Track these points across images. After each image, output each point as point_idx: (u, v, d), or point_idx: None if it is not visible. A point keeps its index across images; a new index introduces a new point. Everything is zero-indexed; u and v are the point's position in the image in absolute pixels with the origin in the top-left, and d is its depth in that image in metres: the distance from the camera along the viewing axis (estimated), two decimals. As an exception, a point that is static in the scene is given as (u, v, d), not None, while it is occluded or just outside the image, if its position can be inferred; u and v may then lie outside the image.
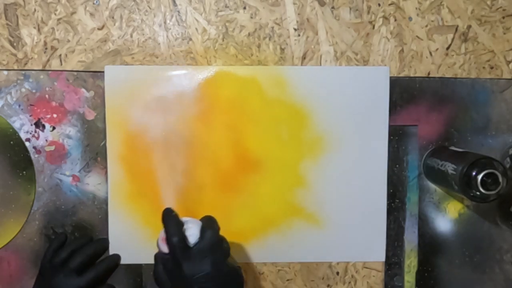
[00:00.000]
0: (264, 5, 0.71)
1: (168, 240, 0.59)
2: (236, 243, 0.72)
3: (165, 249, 0.60)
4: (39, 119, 0.70)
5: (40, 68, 0.69)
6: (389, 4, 0.72)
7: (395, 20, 0.72)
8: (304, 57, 0.72)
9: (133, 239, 0.71)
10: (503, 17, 0.73)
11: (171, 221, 0.60)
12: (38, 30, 0.69)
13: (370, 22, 0.72)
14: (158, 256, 0.62)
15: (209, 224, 0.61)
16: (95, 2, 0.69)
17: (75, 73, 0.70)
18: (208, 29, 0.71)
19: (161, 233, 0.61)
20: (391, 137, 0.73)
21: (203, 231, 0.60)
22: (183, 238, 0.59)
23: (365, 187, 0.73)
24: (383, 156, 0.73)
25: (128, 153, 0.70)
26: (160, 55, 0.71)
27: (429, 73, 0.73)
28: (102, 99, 0.70)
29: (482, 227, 0.75)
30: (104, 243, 0.70)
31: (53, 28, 0.69)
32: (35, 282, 0.66)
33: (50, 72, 0.70)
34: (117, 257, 0.70)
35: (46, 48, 0.69)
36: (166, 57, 0.71)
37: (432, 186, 0.74)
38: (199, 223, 0.61)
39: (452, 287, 0.75)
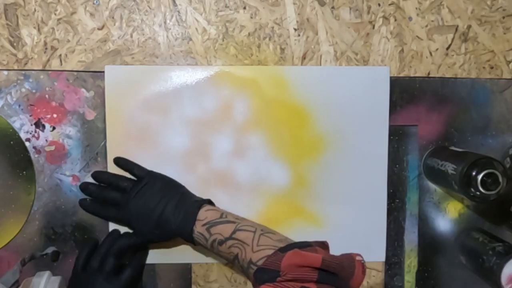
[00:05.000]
0: (264, 5, 0.71)
1: None
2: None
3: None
4: (39, 119, 0.70)
5: (40, 68, 0.69)
6: (389, 4, 0.72)
7: (395, 20, 0.72)
8: (304, 57, 0.72)
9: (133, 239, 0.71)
10: (503, 17, 0.73)
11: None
12: (38, 30, 0.69)
13: (370, 22, 0.72)
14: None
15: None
16: (95, 2, 0.69)
17: (75, 73, 0.70)
18: (208, 29, 0.71)
19: None
20: (391, 137, 0.73)
21: None
22: None
23: (365, 187, 0.73)
24: (383, 156, 0.73)
25: (128, 153, 0.70)
26: (160, 55, 0.71)
27: (429, 73, 0.73)
28: (102, 99, 0.70)
29: (482, 227, 0.75)
30: (128, 238, 0.70)
31: (53, 28, 0.69)
32: None
33: (50, 72, 0.70)
34: (144, 247, 0.71)
35: (46, 48, 0.69)
36: (166, 57, 0.71)
37: (432, 186, 0.74)
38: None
39: (452, 287, 0.75)
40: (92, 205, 0.69)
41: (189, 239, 0.64)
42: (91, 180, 0.70)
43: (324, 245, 0.58)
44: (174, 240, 0.68)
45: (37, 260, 0.68)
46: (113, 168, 0.70)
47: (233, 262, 0.61)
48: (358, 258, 0.55)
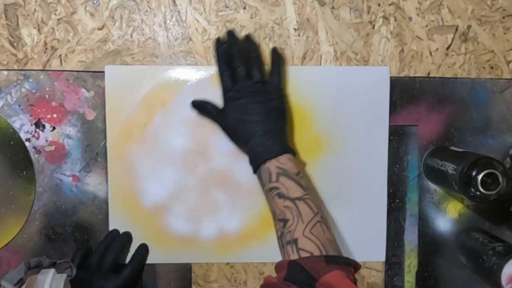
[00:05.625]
0: (264, 5, 0.71)
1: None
2: (236, 243, 0.72)
3: None
4: (39, 119, 0.70)
5: (40, 68, 0.69)
6: (389, 4, 0.72)
7: (395, 20, 0.72)
8: (304, 57, 0.72)
9: (133, 239, 0.71)
10: (503, 17, 0.73)
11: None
12: (38, 30, 0.69)
13: (370, 22, 0.72)
14: None
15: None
16: (95, 2, 0.69)
17: (75, 73, 0.70)
18: (208, 29, 0.71)
19: None
20: (391, 137, 0.73)
21: None
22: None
23: (365, 187, 0.73)
24: (383, 156, 0.73)
25: (128, 153, 0.70)
26: (160, 55, 0.71)
27: (429, 73, 0.73)
28: (102, 99, 0.70)
29: (482, 227, 0.75)
30: (127, 237, 0.70)
31: (53, 28, 0.69)
32: None
33: (50, 72, 0.70)
34: (145, 246, 0.71)
35: (46, 48, 0.69)
36: (166, 57, 0.71)
37: (432, 186, 0.74)
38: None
39: (452, 287, 0.75)
40: (223, 55, 0.67)
41: (254, 165, 0.63)
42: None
43: (357, 266, 0.57)
44: (174, 240, 0.68)
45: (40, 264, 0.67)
46: (113, 169, 0.70)
47: (277, 222, 0.60)
48: None
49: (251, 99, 0.64)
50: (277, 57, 0.69)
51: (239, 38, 0.69)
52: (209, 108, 0.68)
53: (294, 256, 0.56)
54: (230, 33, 0.69)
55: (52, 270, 0.60)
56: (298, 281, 0.53)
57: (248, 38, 0.69)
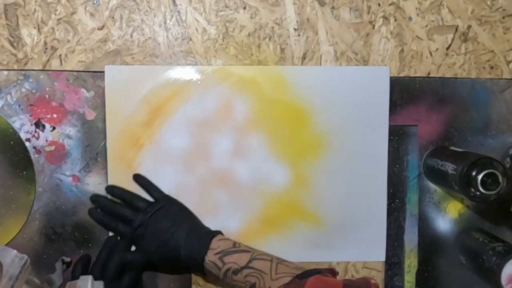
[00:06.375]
0: (264, 5, 0.71)
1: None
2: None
3: None
4: (39, 119, 0.70)
5: (40, 68, 0.69)
6: (389, 4, 0.72)
7: (395, 20, 0.72)
8: (304, 57, 0.72)
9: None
10: (503, 17, 0.73)
11: None
12: (38, 30, 0.69)
13: (370, 22, 0.72)
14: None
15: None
16: (95, 2, 0.69)
17: (75, 73, 0.70)
18: (208, 29, 0.71)
19: None
20: (391, 137, 0.73)
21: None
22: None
23: (365, 187, 0.73)
24: (383, 156, 0.73)
25: (128, 153, 0.70)
26: (160, 55, 0.71)
27: (429, 73, 0.73)
28: (102, 99, 0.70)
29: (482, 227, 0.75)
30: (127, 243, 0.70)
31: (53, 28, 0.69)
32: None
33: (50, 72, 0.70)
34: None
35: (46, 48, 0.69)
36: (166, 57, 0.71)
37: (432, 186, 0.74)
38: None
39: (452, 287, 0.75)
40: (102, 216, 0.69)
41: (199, 268, 0.65)
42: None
43: (333, 272, 0.59)
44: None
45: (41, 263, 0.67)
46: (113, 170, 0.70)
47: None
48: (372, 281, 0.56)
49: (156, 222, 0.66)
50: (141, 179, 0.70)
51: (101, 196, 0.70)
52: (130, 258, 0.68)
53: None
54: (93, 198, 0.70)
55: (90, 277, 0.61)
56: None
57: (108, 189, 0.70)
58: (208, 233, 0.66)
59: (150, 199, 0.70)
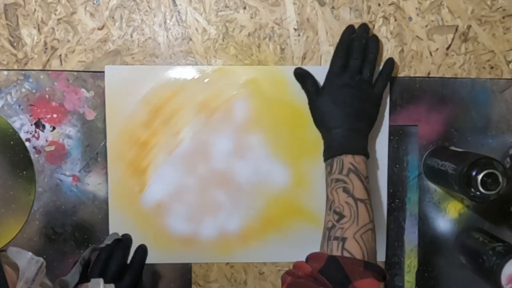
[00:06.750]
0: (264, 5, 0.71)
1: None
2: (236, 243, 0.72)
3: None
4: (39, 119, 0.70)
5: (40, 68, 0.69)
6: (389, 4, 0.72)
7: (395, 20, 0.72)
8: (304, 57, 0.72)
9: (133, 239, 0.71)
10: (503, 17, 0.73)
11: None
12: (38, 30, 0.69)
13: (370, 22, 0.72)
14: None
15: None
16: (95, 2, 0.69)
17: (75, 73, 0.70)
18: (208, 29, 0.71)
19: None
20: (391, 137, 0.73)
21: None
22: None
23: (365, 187, 0.72)
24: (383, 156, 0.73)
25: (128, 153, 0.70)
26: (160, 55, 0.71)
27: (429, 73, 0.73)
28: (102, 99, 0.70)
29: (482, 227, 0.75)
30: (127, 242, 0.70)
31: (53, 28, 0.69)
32: None
33: (50, 72, 0.70)
34: (144, 248, 0.70)
35: (46, 48, 0.69)
36: (166, 57, 0.71)
37: (432, 186, 0.74)
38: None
39: (452, 287, 0.75)
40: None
41: (331, 152, 0.64)
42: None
43: (386, 278, 0.58)
44: (174, 240, 0.68)
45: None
46: (113, 168, 0.70)
47: (331, 212, 0.61)
48: None
49: (353, 93, 0.66)
50: (391, 66, 0.70)
51: (368, 33, 0.69)
52: (309, 83, 0.69)
53: (336, 253, 0.57)
54: (363, 26, 0.69)
55: (101, 280, 0.61)
56: (332, 278, 0.53)
57: (374, 37, 0.70)
58: (364, 147, 0.66)
59: None
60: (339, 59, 0.67)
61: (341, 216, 0.60)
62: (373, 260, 0.59)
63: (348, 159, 0.63)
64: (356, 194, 0.61)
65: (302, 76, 0.70)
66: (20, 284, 0.47)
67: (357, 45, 0.68)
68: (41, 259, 0.52)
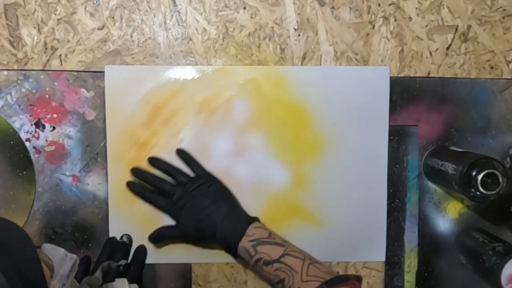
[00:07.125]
0: (264, 5, 0.71)
1: None
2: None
3: None
4: (39, 119, 0.70)
5: (40, 68, 0.69)
6: (389, 4, 0.72)
7: (395, 20, 0.72)
8: (304, 57, 0.72)
9: (133, 239, 0.71)
10: (503, 17, 0.73)
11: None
12: (38, 30, 0.69)
13: (370, 22, 0.72)
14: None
15: None
16: (95, 2, 0.69)
17: (75, 73, 0.70)
18: (208, 29, 0.71)
19: None
20: (391, 137, 0.73)
21: None
22: None
23: (365, 187, 0.73)
24: (383, 156, 0.73)
25: (128, 153, 0.70)
26: (160, 55, 0.71)
27: (429, 73, 0.73)
28: (102, 99, 0.70)
29: (482, 227, 0.75)
30: (128, 243, 0.70)
31: (53, 28, 0.69)
32: None
33: (50, 72, 0.70)
34: (143, 248, 0.71)
35: (46, 48, 0.69)
36: (166, 57, 0.71)
37: (432, 186, 0.74)
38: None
39: (452, 287, 0.75)
40: (142, 189, 0.69)
41: (231, 251, 0.66)
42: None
43: (358, 278, 0.59)
44: (177, 240, 0.68)
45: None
46: (113, 168, 0.70)
47: (275, 285, 0.63)
48: None
49: (196, 198, 0.66)
50: (185, 154, 0.70)
51: (141, 169, 0.69)
52: (166, 231, 0.69)
53: None
54: (134, 171, 0.69)
55: (125, 280, 0.61)
56: None
57: (150, 160, 0.70)
58: (245, 218, 0.67)
59: (191, 174, 0.69)
60: (155, 197, 0.68)
61: (281, 281, 0.61)
62: (333, 276, 0.59)
63: (245, 241, 0.64)
64: (274, 257, 0.62)
65: (157, 236, 0.70)
66: (55, 281, 0.47)
67: (151, 180, 0.69)
68: (75, 256, 0.51)
